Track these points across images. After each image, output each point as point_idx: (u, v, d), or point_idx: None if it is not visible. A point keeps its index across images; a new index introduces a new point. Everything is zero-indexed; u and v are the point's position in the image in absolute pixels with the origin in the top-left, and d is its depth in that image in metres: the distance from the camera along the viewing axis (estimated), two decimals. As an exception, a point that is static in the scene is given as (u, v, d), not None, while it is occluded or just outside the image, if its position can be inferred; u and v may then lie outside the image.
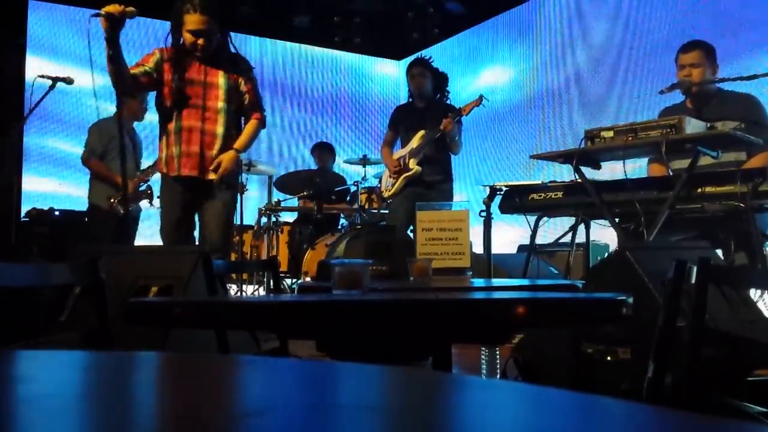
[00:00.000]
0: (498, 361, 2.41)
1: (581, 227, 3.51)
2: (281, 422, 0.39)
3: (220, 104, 3.29)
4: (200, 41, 3.21)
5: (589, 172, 3.23)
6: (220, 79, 3.29)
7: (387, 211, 4.88)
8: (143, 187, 4.68)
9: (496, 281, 2.47)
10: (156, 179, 3.86)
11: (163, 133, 3.33)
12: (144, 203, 4.78)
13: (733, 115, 3.19)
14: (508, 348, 2.52)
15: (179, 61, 3.26)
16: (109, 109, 4.59)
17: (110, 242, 4.42)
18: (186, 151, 3.25)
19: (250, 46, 7.75)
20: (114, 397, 0.49)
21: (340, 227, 5.81)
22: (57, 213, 4.97)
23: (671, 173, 3.14)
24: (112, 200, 4.52)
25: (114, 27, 2.90)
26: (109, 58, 2.98)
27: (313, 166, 6.35)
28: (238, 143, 3.36)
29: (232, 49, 3.41)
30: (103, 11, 2.87)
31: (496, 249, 4.04)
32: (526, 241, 3.89)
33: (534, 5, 7.03)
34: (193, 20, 3.18)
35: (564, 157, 3.20)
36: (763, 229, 2.93)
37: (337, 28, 7.88)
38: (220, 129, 3.29)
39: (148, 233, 5.41)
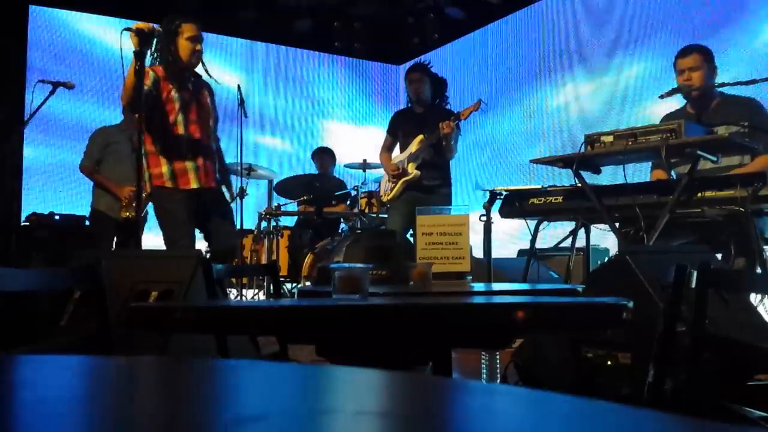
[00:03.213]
0: (498, 366, 2.41)
1: (581, 231, 3.51)
2: (280, 427, 0.39)
3: (211, 121, 3.57)
4: (198, 47, 3.45)
5: (589, 177, 3.23)
6: (207, 98, 3.57)
7: (386, 216, 4.88)
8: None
9: (496, 286, 2.47)
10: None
11: (166, 148, 3.45)
12: None
13: (734, 119, 3.19)
14: (509, 353, 2.52)
15: (176, 80, 3.45)
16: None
17: (113, 248, 4.44)
18: (201, 164, 3.47)
19: (252, 51, 7.77)
20: (113, 402, 0.49)
21: (340, 231, 5.81)
22: (57, 218, 4.97)
23: (674, 177, 3.14)
24: (125, 203, 4.51)
25: (143, 43, 3.12)
26: (136, 72, 3.15)
27: (314, 171, 6.35)
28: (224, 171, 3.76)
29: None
30: (134, 27, 3.10)
31: (496, 253, 4.04)
32: (526, 245, 3.89)
33: (534, 11, 7.05)
34: (190, 28, 3.44)
35: (564, 161, 3.20)
36: (763, 233, 2.93)
37: (338, 33, 7.89)
38: (213, 145, 3.60)
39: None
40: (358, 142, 8.28)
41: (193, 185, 3.43)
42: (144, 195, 4.54)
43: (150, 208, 4.76)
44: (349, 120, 8.58)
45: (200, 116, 3.49)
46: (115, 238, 4.62)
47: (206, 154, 3.50)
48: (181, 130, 3.42)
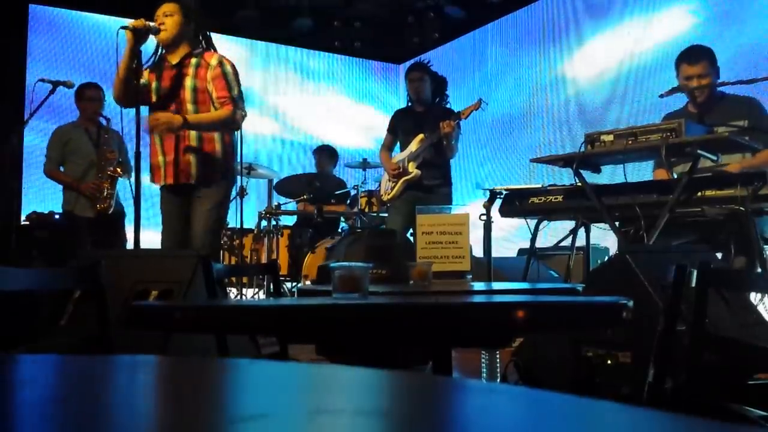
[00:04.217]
0: (498, 365, 2.41)
1: (581, 231, 3.51)
2: (281, 427, 0.39)
3: (190, 107, 3.28)
4: (160, 17, 3.27)
5: (589, 176, 3.23)
6: (188, 80, 3.31)
7: (386, 215, 4.88)
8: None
9: (496, 285, 2.47)
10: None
11: (150, 144, 3.39)
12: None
13: (735, 119, 3.19)
14: (509, 352, 2.52)
15: (157, 71, 3.37)
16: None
17: (92, 246, 4.43)
18: (167, 159, 3.30)
19: (251, 50, 7.76)
20: (113, 402, 0.49)
21: (340, 231, 5.81)
22: (57, 217, 4.96)
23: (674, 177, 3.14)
24: (91, 199, 4.47)
25: (138, 40, 3.11)
26: (130, 68, 3.13)
27: (314, 170, 6.35)
28: (192, 116, 3.26)
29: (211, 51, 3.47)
30: (130, 25, 3.08)
31: (496, 252, 4.04)
32: (526, 245, 3.89)
33: (534, 10, 7.04)
34: (158, 10, 3.32)
35: (564, 160, 3.19)
36: (763, 232, 2.92)
37: (338, 32, 7.89)
38: (193, 133, 3.28)
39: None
40: (357, 141, 8.29)
41: (163, 182, 3.33)
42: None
43: (127, 200, 4.69)
44: (348, 119, 8.57)
45: (176, 107, 3.28)
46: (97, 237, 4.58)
47: (179, 148, 3.26)
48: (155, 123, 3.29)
